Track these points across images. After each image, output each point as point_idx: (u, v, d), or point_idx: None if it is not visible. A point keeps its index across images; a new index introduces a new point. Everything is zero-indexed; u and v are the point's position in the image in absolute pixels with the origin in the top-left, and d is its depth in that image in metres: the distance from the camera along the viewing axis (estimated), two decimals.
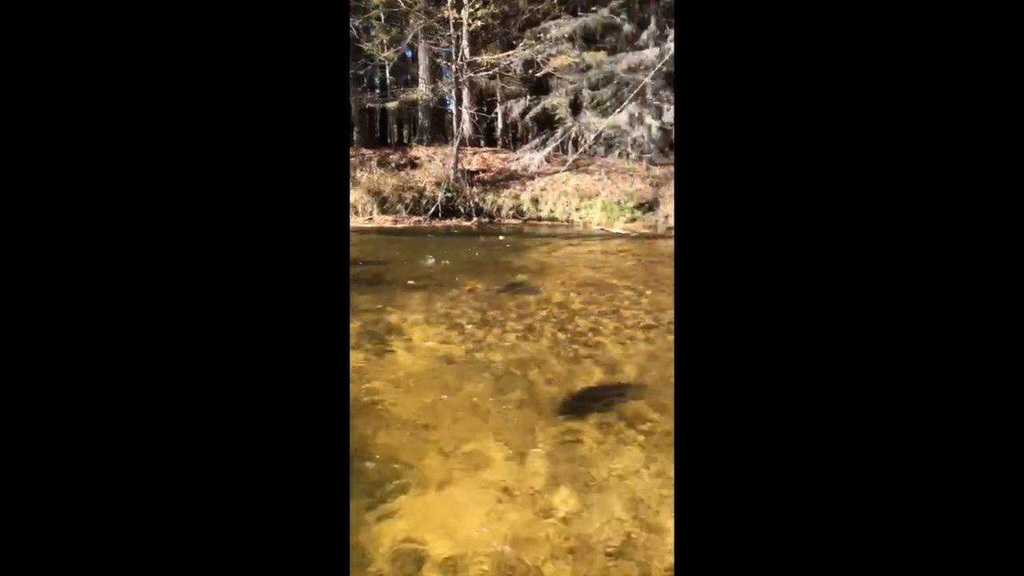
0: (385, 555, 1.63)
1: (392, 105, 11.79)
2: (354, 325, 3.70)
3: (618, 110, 10.45)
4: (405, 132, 16.63)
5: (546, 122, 11.52)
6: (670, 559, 1.61)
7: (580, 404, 2.63)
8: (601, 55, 10.33)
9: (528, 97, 11.33)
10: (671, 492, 1.92)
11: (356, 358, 3.14)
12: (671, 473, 2.04)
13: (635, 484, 1.99)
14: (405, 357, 3.22)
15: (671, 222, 9.34)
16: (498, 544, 1.67)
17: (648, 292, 4.88)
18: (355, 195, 9.76)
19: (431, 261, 5.98)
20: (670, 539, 1.69)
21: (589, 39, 11.18)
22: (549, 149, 10.90)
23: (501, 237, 7.97)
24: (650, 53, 10.18)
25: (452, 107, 12.37)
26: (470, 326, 3.80)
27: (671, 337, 3.60)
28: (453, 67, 11.14)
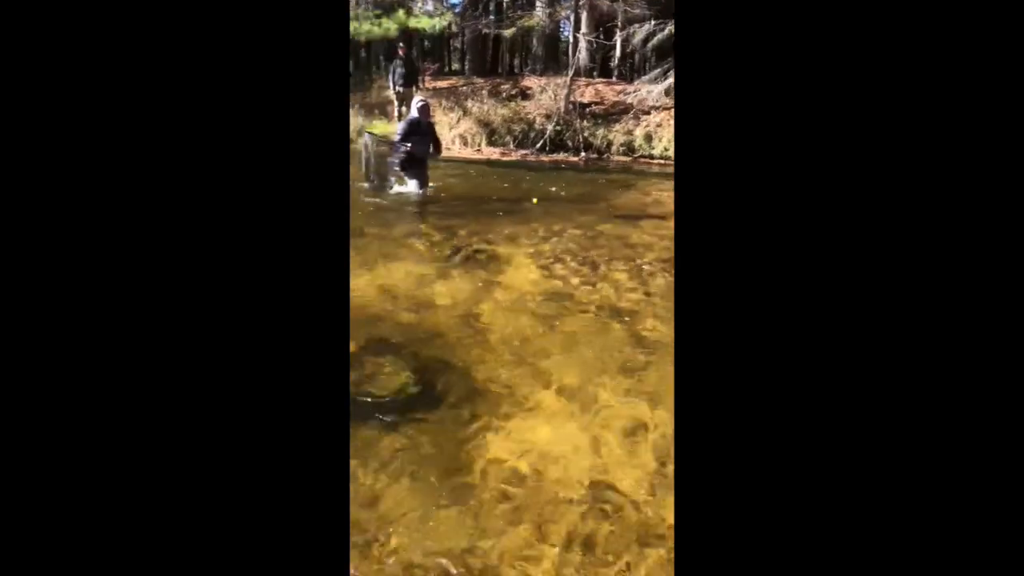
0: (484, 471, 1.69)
1: (508, 32, 11.40)
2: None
3: None
4: (517, 61, 16.15)
5: (668, 51, 10.57)
6: None
7: None
8: None
9: (653, 22, 10.38)
10: None
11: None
12: None
13: None
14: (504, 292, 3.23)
15: None
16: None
17: None
18: (464, 125, 9.75)
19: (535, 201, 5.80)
20: None
21: None
22: (670, 81, 10.06)
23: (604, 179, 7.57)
24: None
25: (568, 33, 11.75)
26: (573, 264, 3.73)
27: None
28: None
